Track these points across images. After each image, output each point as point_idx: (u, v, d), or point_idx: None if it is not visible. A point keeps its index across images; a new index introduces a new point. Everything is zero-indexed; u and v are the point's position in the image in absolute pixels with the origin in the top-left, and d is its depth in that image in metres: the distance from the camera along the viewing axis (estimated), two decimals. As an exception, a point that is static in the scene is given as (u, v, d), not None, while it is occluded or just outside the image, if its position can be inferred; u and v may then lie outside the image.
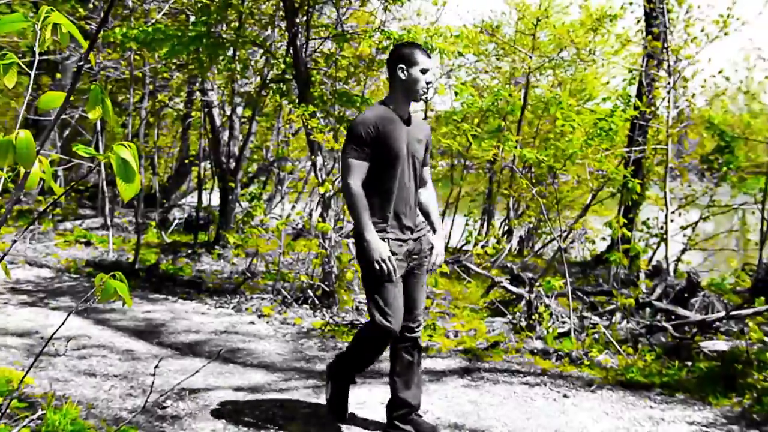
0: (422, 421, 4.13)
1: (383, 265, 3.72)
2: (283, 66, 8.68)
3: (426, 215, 4.19)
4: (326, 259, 7.28)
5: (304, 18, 8.04)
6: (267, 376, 5.18)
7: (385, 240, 3.81)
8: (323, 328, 6.59)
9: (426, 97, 3.91)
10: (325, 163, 7.79)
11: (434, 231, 4.19)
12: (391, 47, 4.13)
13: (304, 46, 7.98)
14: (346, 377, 4.20)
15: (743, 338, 5.58)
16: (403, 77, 3.87)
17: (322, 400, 4.62)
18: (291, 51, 8.02)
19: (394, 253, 3.81)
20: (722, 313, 6.29)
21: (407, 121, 3.95)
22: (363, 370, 4.25)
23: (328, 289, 7.32)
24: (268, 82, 9.86)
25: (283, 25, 8.73)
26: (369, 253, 3.73)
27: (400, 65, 3.87)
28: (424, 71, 3.86)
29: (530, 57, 12.30)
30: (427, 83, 3.90)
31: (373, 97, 10.66)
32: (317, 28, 8.85)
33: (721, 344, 5.77)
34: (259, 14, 9.30)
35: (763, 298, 6.58)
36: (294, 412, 4.43)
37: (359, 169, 3.79)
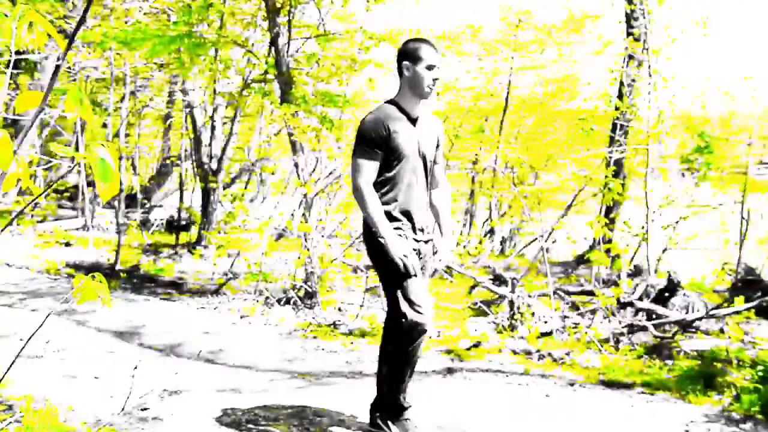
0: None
1: (406, 260, 3.60)
2: (265, 66, 8.65)
3: (435, 216, 4.04)
4: (308, 260, 7.26)
5: (286, 18, 8.01)
6: (249, 377, 5.15)
7: (402, 237, 3.71)
8: (305, 328, 6.57)
9: (431, 94, 3.77)
10: (308, 164, 7.77)
11: (441, 233, 4.03)
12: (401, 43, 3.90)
13: (287, 46, 7.95)
14: (390, 405, 3.89)
15: (723, 337, 5.62)
16: (408, 74, 3.76)
17: (305, 400, 4.61)
18: (273, 51, 8.00)
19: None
20: (702, 313, 6.34)
21: (417, 120, 3.83)
22: (403, 383, 3.85)
23: (310, 290, 7.30)
24: (250, 82, 9.83)
25: (265, 25, 8.69)
26: (389, 250, 3.60)
27: (405, 62, 3.76)
28: (430, 67, 3.72)
29: (512, 57, 12.34)
30: (434, 80, 3.75)
31: (356, 97, 10.65)
32: (299, 28, 8.83)
33: (701, 343, 5.81)
34: (241, 14, 9.26)
35: (742, 297, 6.63)
36: (277, 412, 4.40)
37: (369, 169, 3.69)
